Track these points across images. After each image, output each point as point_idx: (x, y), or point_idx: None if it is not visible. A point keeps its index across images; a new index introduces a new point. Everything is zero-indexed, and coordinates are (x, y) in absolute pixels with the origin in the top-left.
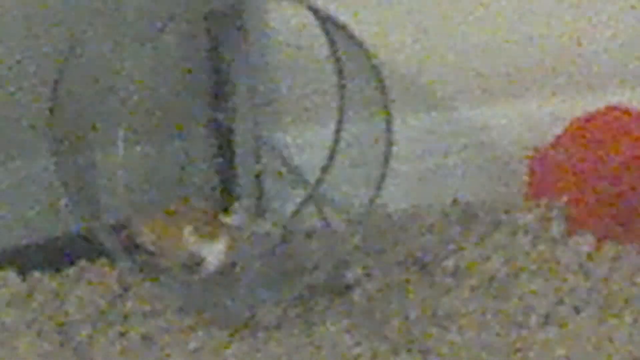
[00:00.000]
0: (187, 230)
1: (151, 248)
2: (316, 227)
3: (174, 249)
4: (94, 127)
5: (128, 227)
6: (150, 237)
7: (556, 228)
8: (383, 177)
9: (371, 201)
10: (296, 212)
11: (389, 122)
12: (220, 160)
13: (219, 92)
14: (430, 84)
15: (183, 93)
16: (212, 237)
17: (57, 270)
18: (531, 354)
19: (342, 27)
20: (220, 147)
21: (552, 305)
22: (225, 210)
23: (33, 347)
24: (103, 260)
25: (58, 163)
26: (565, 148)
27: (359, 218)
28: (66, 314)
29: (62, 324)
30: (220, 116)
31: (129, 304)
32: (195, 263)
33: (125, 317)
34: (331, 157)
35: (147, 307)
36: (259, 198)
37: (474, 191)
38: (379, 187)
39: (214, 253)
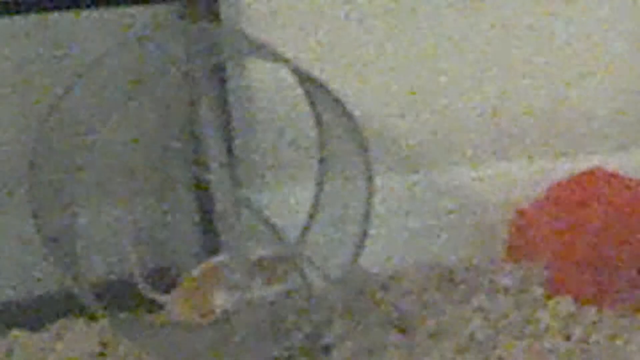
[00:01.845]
0: (218, 293)
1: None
2: (296, 287)
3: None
4: (73, 186)
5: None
6: (183, 311)
7: (536, 290)
8: (363, 237)
9: (351, 262)
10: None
11: (369, 182)
12: (202, 219)
13: (199, 150)
14: (411, 145)
15: (164, 153)
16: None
17: (37, 328)
18: None
19: (323, 87)
20: (202, 207)
21: None
22: None
23: None
24: (83, 318)
25: (37, 221)
26: (546, 211)
27: (339, 279)
28: None
29: None
30: (202, 175)
31: None
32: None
33: None
34: (311, 217)
35: None
36: None
37: (454, 252)
38: (359, 248)
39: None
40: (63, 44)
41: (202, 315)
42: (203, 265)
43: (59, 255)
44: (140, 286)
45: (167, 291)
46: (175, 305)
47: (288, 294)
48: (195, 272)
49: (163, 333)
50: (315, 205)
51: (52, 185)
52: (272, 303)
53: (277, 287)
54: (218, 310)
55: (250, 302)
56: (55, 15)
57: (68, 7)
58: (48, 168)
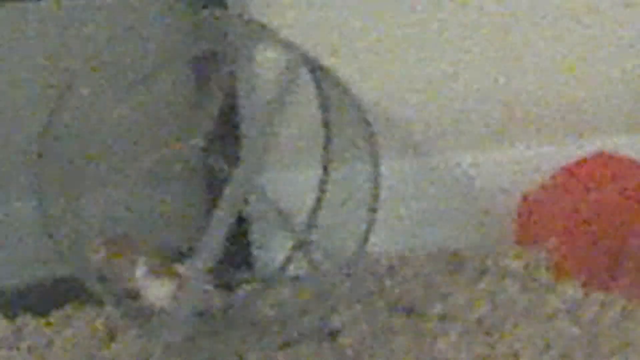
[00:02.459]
0: (141, 261)
1: (99, 265)
2: (304, 273)
3: (122, 276)
4: (82, 171)
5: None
6: (102, 255)
7: (544, 274)
8: (371, 222)
9: (359, 247)
10: (287, 261)
11: (376, 167)
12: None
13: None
14: (418, 129)
15: (170, 138)
16: (161, 278)
17: (45, 313)
18: None
19: (329, 72)
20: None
21: (540, 351)
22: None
23: None
24: (90, 304)
25: (44, 206)
26: (553, 195)
27: (347, 264)
28: (54, 357)
29: None
30: (214, 161)
31: (116, 348)
32: (134, 296)
33: None
34: (318, 203)
35: (134, 351)
36: (247, 245)
37: (461, 237)
38: (367, 233)
39: (158, 294)
40: (70, 30)
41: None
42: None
43: (65, 241)
44: None
45: None
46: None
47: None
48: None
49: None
50: (322, 191)
51: (58, 171)
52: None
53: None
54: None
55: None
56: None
57: None
58: (55, 153)
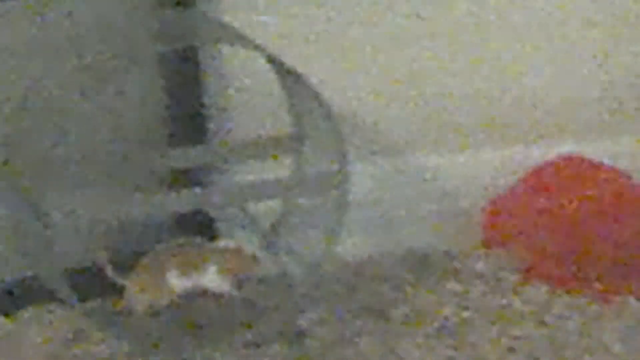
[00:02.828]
0: (171, 274)
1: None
2: (271, 274)
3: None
4: (49, 172)
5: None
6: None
7: (510, 276)
8: (339, 224)
9: (327, 248)
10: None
11: (344, 169)
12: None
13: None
14: (387, 132)
15: (138, 137)
16: (197, 268)
17: (11, 313)
18: None
19: (297, 74)
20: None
21: (505, 353)
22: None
23: None
24: (56, 304)
25: (11, 207)
26: (520, 197)
27: (315, 265)
28: (20, 357)
29: None
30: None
31: (83, 348)
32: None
33: None
34: (286, 205)
35: (101, 351)
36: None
37: (429, 239)
38: (334, 234)
39: (205, 280)
40: (37, 29)
41: (156, 298)
42: (156, 249)
43: (32, 242)
44: (105, 267)
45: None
46: (131, 289)
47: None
48: (147, 257)
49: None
50: (291, 192)
51: (25, 173)
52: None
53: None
54: (172, 293)
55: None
56: None
57: None
58: (22, 153)
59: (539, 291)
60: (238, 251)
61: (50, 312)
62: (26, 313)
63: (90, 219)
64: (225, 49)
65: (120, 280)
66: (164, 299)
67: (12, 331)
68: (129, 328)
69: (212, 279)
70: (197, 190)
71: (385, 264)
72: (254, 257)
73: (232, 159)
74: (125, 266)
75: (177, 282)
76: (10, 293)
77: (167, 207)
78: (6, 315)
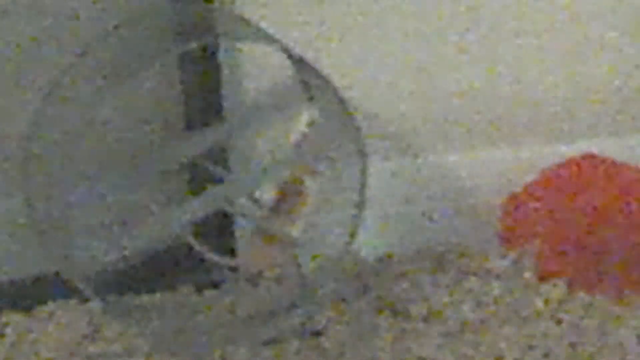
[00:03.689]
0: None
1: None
2: (288, 272)
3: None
4: (68, 169)
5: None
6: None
7: (528, 275)
8: (357, 222)
9: (345, 246)
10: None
11: (363, 166)
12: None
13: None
14: (403, 130)
15: (157, 134)
16: None
17: (29, 310)
18: None
19: (316, 71)
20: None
21: (523, 351)
22: None
23: None
24: (74, 300)
25: (30, 203)
26: (538, 195)
27: (332, 263)
28: (37, 354)
29: None
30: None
31: (99, 345)
32: None
33: (96, 358)
34: (305, 202)
35: (117, 348)
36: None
37: (446, 237)
38: (352, 233)
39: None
40: (56, 28)
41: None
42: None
43: (51, 238)
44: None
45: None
46: (249, 251)
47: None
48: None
49: (154, 316)
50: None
51: (45, 169)
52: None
53: None
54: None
55: None
56: None
57: None
58: (42, 150)
59: (556, 289)
60: None
61: (67, 309)
62: (43, 310)
63: (108, 215)
64: (245, 45)
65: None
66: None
67: (29, 328)
68: (147, 325)
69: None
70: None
71: (402, 262)
72: None
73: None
74: (142, 262)
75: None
76: (28, 289)
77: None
78: (25, 311)
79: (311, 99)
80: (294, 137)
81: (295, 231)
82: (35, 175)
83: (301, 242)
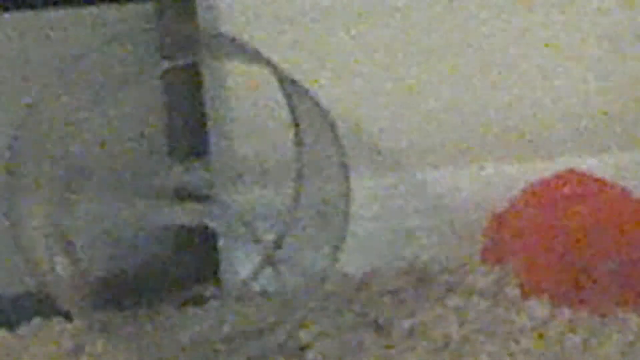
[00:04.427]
0: None
1: None
2: (272, 289)
3: None
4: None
5: None
6: None
7: (511, 291)
8: (342, 238)
9: (330, 263)
10: (255, 275)
11: (347, 183)
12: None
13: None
14: (388, 146)
15: (140, 151)
16: None
17: (12, 327)
18: None
19: (301, 88)
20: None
21: None
22: None
23: None
24: (58, 317)
25: (14, 219)
26: (521, 212)
27: (317, 279)
28: None
29: None
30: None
31: None
32: None
33: None
34: (289, 218)
35: None
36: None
37: (430, 253)
38: (337, 249)
39: None
40: (37, 43)
41: None
42: None
43: (34, 254)
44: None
45: None
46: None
47: None
48: None
49: (138, 333)
50: (293, 207)
51: (29, 185)
52: None
53: None
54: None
55: None
56: (29, 14)
57: (43, 6)
58: (26, 166)
59: (539, 306)
60: None
61: (51, 326)
62: (28, 326)
63: (92, 231)
64: (228, 63)
65: None
66: None
67: (13, 345)
68: (131, 342)
69: None
70: (200, 205)
71: (386, 278)
72: None
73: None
74: (124, 279)
75: None
76: (12, 306)
77: (169, 219)
78: (8, 328)
79: (295, 117)
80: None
81: None
82: (18, 193)
83: (286, 258)
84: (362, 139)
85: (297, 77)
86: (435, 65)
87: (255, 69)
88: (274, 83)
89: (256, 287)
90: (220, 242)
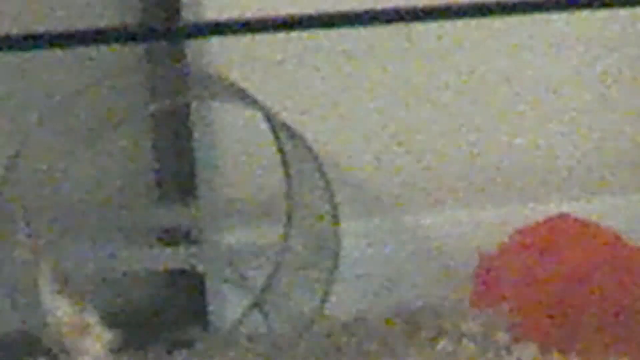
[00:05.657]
0: None
1: None
2: (260, 332)
3: None
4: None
5: None
6: None
7: (501, 336)
8: (330, 283)
9: (318, 306)
10: (242, 319)
11: (336, 226)
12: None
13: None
14: (378, 189)
15: (128, 193)
16: None
17: None
18: None
19: (290, 130)
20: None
21: None
22: None
23: None
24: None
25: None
26: (511, 256)
27: (305, 323)
28: None
29: None
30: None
31: None
32: None
33: None
34: (278, 263)
35: None
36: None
37: (419, 297)
38: (326, 294)
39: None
40: (26, 84)
41: None
42: None
43: (21, 296)
44: None
45: None
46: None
47: None
48: None
49: None
50: (282, 250)
51: (15, 226)
52: None
53: None
54: None
55: None
56: (17, 54)
57: (32, 46)
58: (12, 208)
59: (529, 351)
60: None
61: None
62: None
63: (78, 273)
64: (217, 104)
65: None
66: None
67: None
68: None
69: None
70: (188, 247)
71: (375, 322)
72: None
73: (222, 218)
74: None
75: None
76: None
77: (156, 263)
78: None
79: (284, 159)
80: None
81: None
82: (4, 233)
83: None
84: (351, 181)
85: (285, 119)
86: (424, 108)
87: (244, 110)
88: (263, 124)
89: (244, 330)
90: (208, 285)
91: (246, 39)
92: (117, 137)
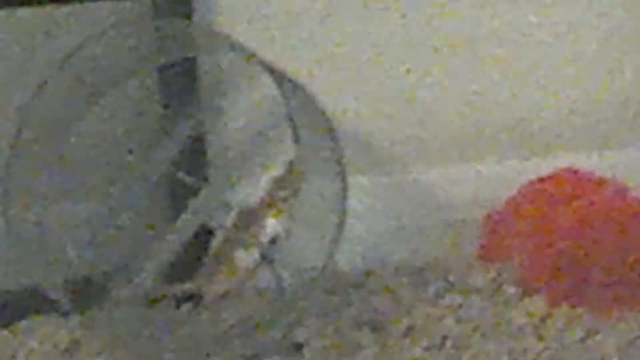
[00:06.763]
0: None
1: None
2: (268, 286)
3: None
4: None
5: None
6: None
7: (509, 290)
8: (338, 237)
9: (325, 262)
10: (252, 273)
11: (343, 181)
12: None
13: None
14: (384, 145)
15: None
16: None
17: (8, 324)
18: None
19: (296, 85)
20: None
21: None
22: None
23: None
24: (54, 315)
25: (9, 217)
26: (518, 210)
27: (312, 278)
28: None
29: None
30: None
31: (79, 359)
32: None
33: None
34: (285, 217)
35: None
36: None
37: (427, 252)
38: (333, 248)
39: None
40: (34, 39)
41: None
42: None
43: (29, 252)
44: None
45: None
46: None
47: None
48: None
49: (134, 330)
50: (289, 205)
51: (25, 181)
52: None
53: None
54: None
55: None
56: (23, 11)
57: (38, 2)
58: (22, 162)
59: (537, 304)
60: None
61: (47, 323)
62: (24, 324)
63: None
64: (224, 60)
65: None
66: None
67: (9, 343)
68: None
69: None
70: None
71: (383, 277)
72: None
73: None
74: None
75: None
76: (7, 304)
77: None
78: (4, 326)
79: (290, 115)
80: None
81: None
82: (14, 188)
83: (278, 255)
84: (358, 137)
85: (292, 74)
86: (431, 63)
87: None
88: (269, 79)
89: (252, 285)
90: (217, 240)
91: None
92: (124, 92)
